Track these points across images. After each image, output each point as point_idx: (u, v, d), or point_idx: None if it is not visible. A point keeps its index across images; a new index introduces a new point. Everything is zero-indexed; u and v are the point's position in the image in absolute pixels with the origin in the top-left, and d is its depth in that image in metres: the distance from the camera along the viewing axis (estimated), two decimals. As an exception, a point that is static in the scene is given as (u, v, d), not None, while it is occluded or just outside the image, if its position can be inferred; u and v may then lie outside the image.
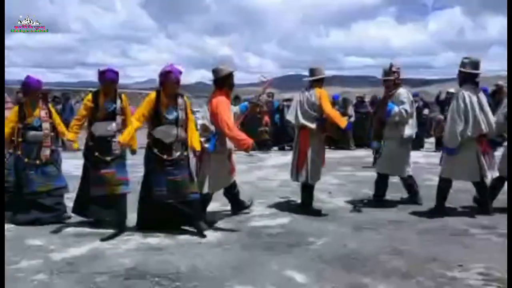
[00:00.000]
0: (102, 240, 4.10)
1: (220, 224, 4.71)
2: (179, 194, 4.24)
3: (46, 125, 4.81)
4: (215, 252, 3.83)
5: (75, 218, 4.79)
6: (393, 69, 5.36)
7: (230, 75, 4.58)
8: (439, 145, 11.36)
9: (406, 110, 5.17)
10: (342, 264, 3.52)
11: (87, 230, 4.49)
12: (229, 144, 4.61)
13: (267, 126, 12.38)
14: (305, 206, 5.22)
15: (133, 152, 4.68)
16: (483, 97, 4.93)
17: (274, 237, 4.28)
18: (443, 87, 15.95)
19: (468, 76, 4.88)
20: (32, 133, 4.72)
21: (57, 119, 5.03)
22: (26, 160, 4.67)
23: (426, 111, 12.12)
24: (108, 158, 4.43)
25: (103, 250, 3.87)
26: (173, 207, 4.26)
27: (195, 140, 4.44)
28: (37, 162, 4.71)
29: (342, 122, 5.03)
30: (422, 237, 4.18)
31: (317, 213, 5.12)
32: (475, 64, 4.88)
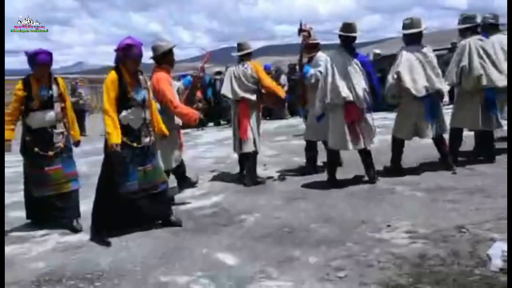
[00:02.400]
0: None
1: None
2: (151, 186, 3.79)
3: None
4: (142, 242, 3.58)
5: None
6: (303, 27, 5.18)
7: (170, 52, 4.41)
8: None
9: (320, 72, 5.07)
10: (273, 238, 3.44)
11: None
12: (177, 120, 4.52)
13: (200, 102, 12.03)
14: (251, 174, 5.26)
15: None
16: (352, 63, 4.60)
17: (206, 218, 4.12)
18: (369, 50, 16.43)
19: (343, 40, 4.69)
20: None
21: None
22: None
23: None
24: (51, 153, 3.93)
25: (13, 256, 3.47)
26: (143, 201, 3.77)
27: (161, 122, 4.05)
28: None
29: (282, 92, 5.44)
30: (351, 201, 4.20)
31: (261, 181, 5.27)
32: (344, 27, 4.65)
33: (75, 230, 3.94)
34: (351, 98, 4.52)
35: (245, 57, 5.32)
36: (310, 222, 3.72)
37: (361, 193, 4.44)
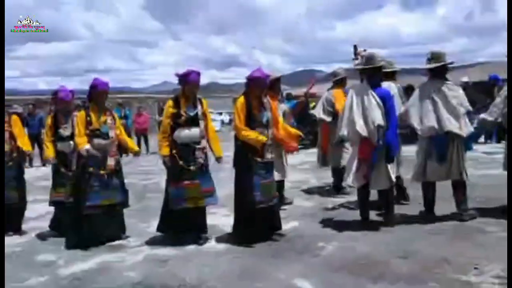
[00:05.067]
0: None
1: (229, 230, 4.63)
2: (269, 198, 4.21)
3: (112, 133, 4.47)
4: (223, 260, 3.78)
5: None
6: (358, 50, 5.14)
7: (277, 80, 5.16)
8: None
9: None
10: (351, 270, 3.42)
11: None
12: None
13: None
14: (335, 187, 6.11)
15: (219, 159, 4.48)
16: (372, 96, 4.32)
17: (283, 242, 4.21)
18: (453, 76, 15.37)
19: (364, 73, 4.52)
20: (98, 140, 4.35)
21: (120, 127, 4.72)
22: (91, 169, 4.30)
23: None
24: (193, 167, 4.17)
25: (111, 263, 3.86)
26: (262, 212, 4.18)
27: (289, 138, 4.56)
28: (102, 172, 4.34)
29: None
30: (434, 238, 4.04)
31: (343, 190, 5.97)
32: (366, 60, 4.50)
33: (198, 243, 4.23)
34: (365, 134, 4.26)
35: (335, 83, 6.08)
36: (389, 256, 3.65)
37: (446, 231, 4.23)
